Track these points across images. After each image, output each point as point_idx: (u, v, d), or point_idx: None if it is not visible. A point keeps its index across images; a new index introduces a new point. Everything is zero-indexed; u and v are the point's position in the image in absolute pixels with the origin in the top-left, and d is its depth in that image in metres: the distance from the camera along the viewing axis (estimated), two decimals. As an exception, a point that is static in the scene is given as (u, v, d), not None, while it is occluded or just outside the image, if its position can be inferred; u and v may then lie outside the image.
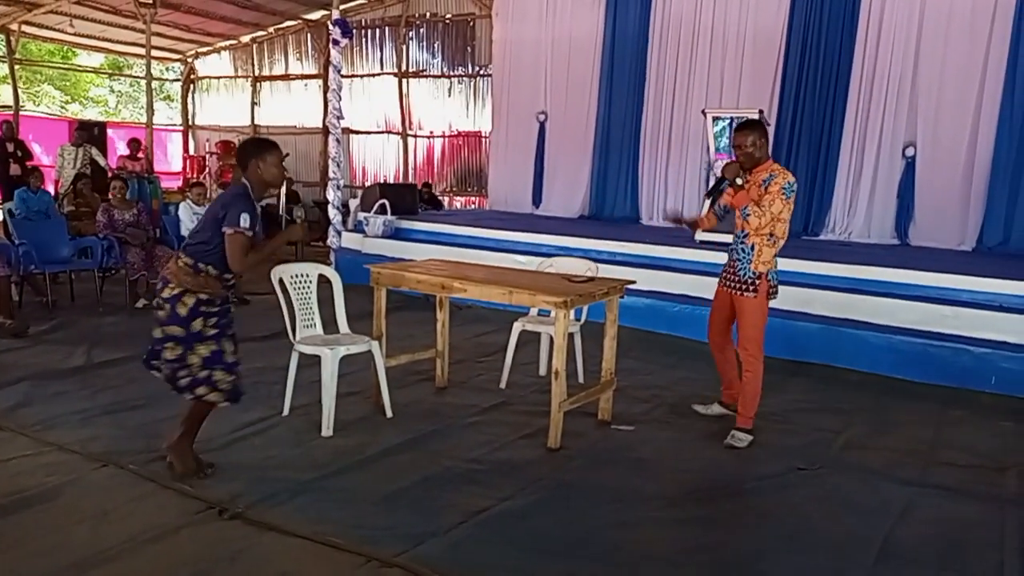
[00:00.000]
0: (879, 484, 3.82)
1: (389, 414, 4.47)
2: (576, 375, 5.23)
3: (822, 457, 4.13)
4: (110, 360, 5.45)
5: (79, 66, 20.66)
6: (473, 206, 14.16)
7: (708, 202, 4.05)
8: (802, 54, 9.60)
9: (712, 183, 3.92)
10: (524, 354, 5.44)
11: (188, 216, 7.84)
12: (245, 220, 3.29)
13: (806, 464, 4.00)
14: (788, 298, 6.55)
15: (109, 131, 15.29)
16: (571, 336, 5.12)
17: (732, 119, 7.81)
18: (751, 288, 4.15)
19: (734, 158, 4.26)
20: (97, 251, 7.19)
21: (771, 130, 9.56)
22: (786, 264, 6.97)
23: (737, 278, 4.21)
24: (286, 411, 4.39)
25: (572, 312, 5.10)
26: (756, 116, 7.63)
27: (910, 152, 9.03)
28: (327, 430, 4.12)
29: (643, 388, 5.26)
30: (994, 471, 4.05)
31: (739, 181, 4.09)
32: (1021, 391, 5.27)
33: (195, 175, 14.77)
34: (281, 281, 4.31)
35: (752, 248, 4.14)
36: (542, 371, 5.42)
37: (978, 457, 4.24)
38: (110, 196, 7.52)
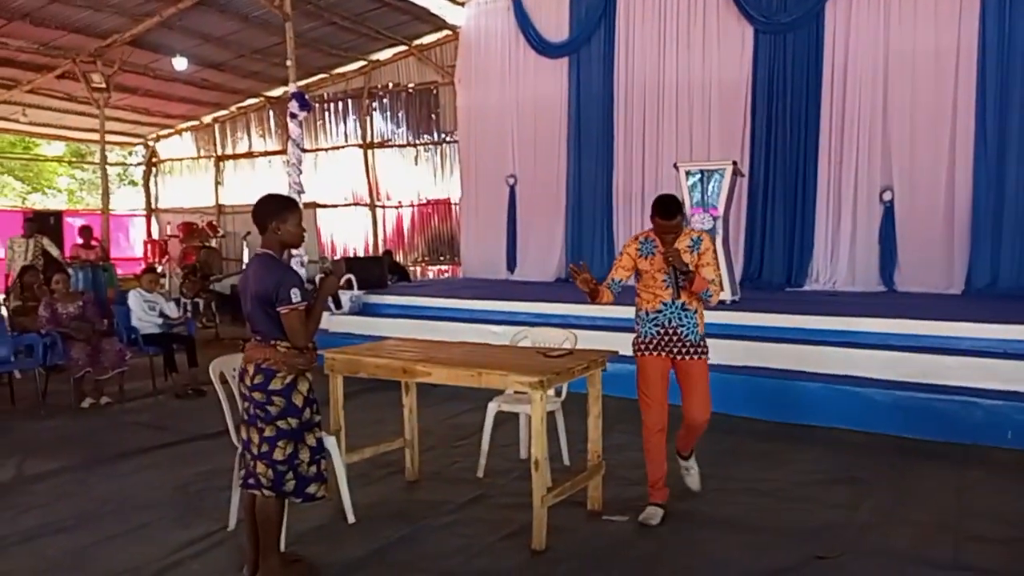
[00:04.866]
0: (909, 570, 3.36)
1: (351, 519, 3.94)
2: (560, 457, 4.76)
3: (842, 540, 3.66)
4: (43, 472, 4.91)
5: (37, 156, 20.34)
6: (447, 275, 13.79)
7: (678, 290, 3.96)
8: (769, 103, 9.50)
9: (677, 278, 3.89)
10: (503, 435, 4.96)
11: (139, 305, 7.36)
12: (296, 295, 3.14)
13: (825, 551, 3.53)
14: (779, 356, 6.21)
15: (67, 219, 14.87)
16: (552, 414, 4.67)
17: (703, 172, 7.52)
18: (702, 351, 3.98)
19: (657, 242, 4.01)
20: (38, 349, 6.66)
21: (745, 180, 9.37)
22: (772, 320, 6.70)
23: (685, 344, 3.97)
24: (232, 524, 3.86)
25: (552, 389, 4.67)
26: (730, 167, 7.41)
27: (887, 196, 8.83)
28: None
29: (635, 467, 4.74)
30: (1033, 544, 3.61)
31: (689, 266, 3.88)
32: (1042, 445, 4.88)
33: (157, 259, 14.30)
34: (221, 375, 3.85)
35: (695, 312, 3.99)
36: (523, 454, 4.92)
37: (1011, 527, 3.81)
38: (51, 288, 7.04)
